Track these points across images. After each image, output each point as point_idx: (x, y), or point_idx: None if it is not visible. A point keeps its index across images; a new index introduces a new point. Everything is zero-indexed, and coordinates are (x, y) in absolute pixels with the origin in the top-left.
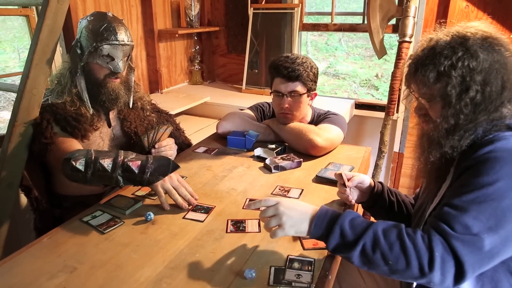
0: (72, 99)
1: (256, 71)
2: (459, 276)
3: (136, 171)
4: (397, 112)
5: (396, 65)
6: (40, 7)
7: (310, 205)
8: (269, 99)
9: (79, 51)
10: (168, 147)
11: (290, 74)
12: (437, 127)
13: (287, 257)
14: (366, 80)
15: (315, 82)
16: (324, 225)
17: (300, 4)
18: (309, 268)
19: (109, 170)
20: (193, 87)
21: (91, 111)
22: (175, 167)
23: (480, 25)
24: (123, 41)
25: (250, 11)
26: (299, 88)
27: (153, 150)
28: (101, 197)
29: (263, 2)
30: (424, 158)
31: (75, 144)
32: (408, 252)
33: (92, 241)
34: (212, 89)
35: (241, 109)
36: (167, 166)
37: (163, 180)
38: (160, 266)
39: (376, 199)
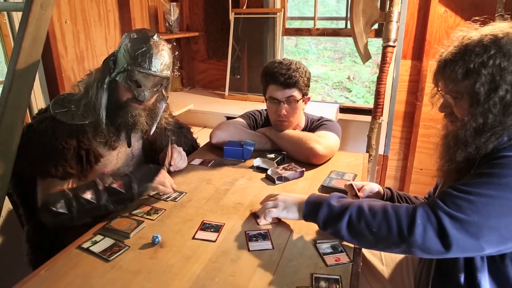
0: (97, 119)
1: (238, 76)
2: (444, 248)
3: (124, 190)
4: (381, 115)
5: (381, 69)
6: (20, 13)
7: (304, 195)
8: (254, 105)
9: (111, 65)
10: (181, 161)
11: (287, 81)
12: (465, 126)
13: (312, 275)
14: (338, 82)
15: (309, 86)
16: (313, 203)
17: (283, 9)
18: (337, 286)
19: (95, 201)
20: (173, 94)
21: (105, 129)
22: (157, 169)
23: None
24: (155, 72)
25: (231, 16)
26: (296, 94)
27: (171, 169)
28: None
29: (244, 7)
30: (449, 157)
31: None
32: (389, 217)
33: (97, 270)
34: (193, 96)
35: (227, 117)
36: (150, 172)
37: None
38: None
39: None
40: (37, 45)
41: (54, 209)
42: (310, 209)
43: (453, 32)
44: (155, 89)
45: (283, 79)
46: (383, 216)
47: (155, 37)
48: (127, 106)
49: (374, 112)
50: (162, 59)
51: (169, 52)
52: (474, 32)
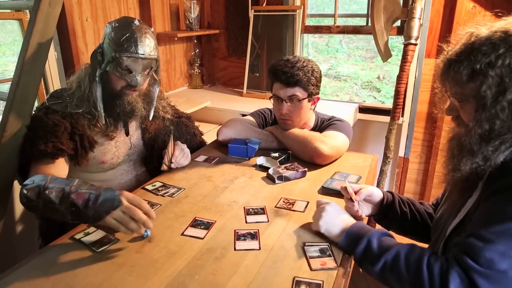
0: (91, 110)
1: (257, 74)
2: None
3: (81, 207)
4: (402, 116)
5: (401, 68)
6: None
7: (351, 218)
8: (270, 104)
9: (99, 58)
10: (183, 159)
11: (288, 80)
12: (470, 132)
13: (293, 279)
14: (367, 82)
15: (317, 86)
16: (353, 236)
17: (302, 6)
18: None
19: (57, 202)
20: (193, 91)
21: (103, 121)
22: (118, 203)
23: None
24: (143, 54)
25: (251, 13)
26: (299, 93)
27: (172, 166)
28: None
29: (264, 4)
30: (453, 165)
31: (56, 170)
32: (422, 278)
33: (84, 261)
34: (212, 93)
35: (243, 115)
36: (112, 201)
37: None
38: None
39: (387, 211)
40: (44, 42)
41: (25, 192)
42: (348, 242)
43: (461, 28)
44: (146, 73)
45: (285, 77)
46: (415, 272)
47: (136, 22)
48: (122, 95)
49: (393, 112)
50: (148, 41)
51: (152, 35)
52: (483, 28)
